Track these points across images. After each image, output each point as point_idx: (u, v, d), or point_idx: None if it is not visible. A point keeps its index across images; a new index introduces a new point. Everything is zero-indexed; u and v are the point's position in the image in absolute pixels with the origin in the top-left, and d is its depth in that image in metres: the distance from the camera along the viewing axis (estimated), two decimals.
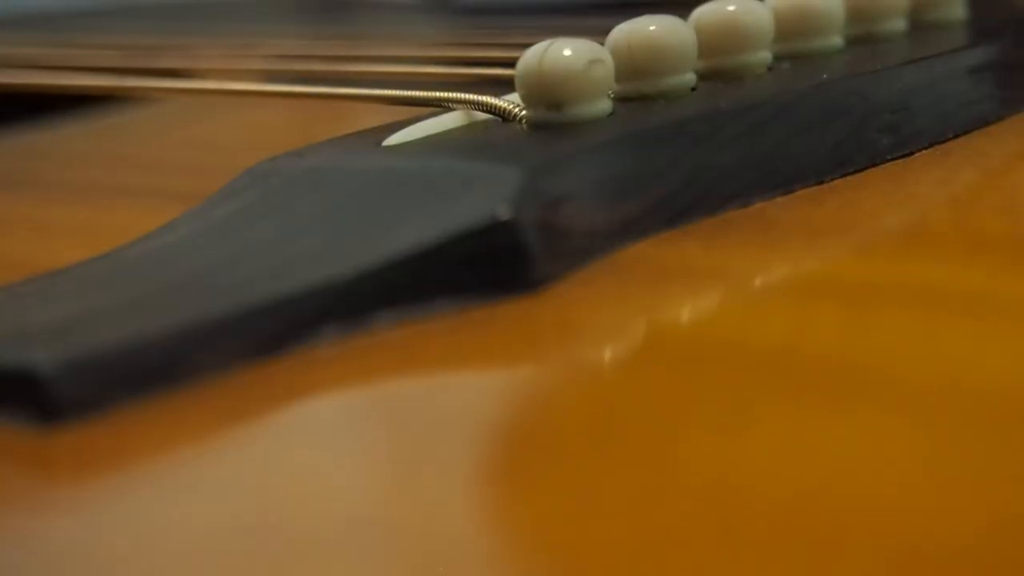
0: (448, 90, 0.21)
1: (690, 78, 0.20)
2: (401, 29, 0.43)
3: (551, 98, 0.19)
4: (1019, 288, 0.15)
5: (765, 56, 0.21)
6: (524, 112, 0.20)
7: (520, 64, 0.19)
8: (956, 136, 0.21)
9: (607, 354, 0.16)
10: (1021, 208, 0.18)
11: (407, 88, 0.22)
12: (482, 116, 0.20)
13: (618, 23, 0.20)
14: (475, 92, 0.20)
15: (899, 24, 0.24)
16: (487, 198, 0.17)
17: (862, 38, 0.23)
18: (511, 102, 0.20)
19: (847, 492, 0.12)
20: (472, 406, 0.15)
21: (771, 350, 0.15)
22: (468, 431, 0.14)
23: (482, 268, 0.17)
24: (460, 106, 0.20)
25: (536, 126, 0.19)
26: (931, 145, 0.21)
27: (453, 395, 0.15)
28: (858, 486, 0.12)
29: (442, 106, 0.21)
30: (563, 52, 0.19)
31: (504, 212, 0.17)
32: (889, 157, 0.20)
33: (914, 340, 0.15)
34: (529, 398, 0.15)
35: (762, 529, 0.11)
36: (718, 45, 0.21)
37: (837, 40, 0.22)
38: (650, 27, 0.20)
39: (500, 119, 0.20)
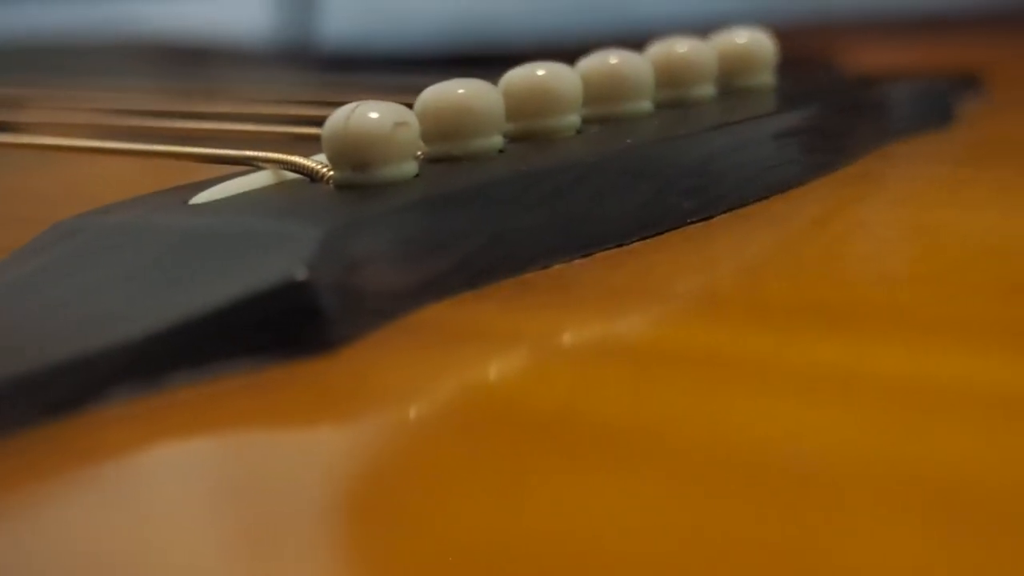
0: (271, 147, 0.21)
1: (497, 140, 0.21)
2: (249, 82, 0.43)
3: (357, 159, 0.19)
4: (797, 354, 0.16)
5: (574, 120, 0.22)
6: (331, 173, 0.20)
7: (327, 125, 0.20)
8: (759, 200, 0.22)
9: (395, 416, 0.16)
10: (808, 274, 0.19)
11: (228, 145, 0.22)
12: (292, 175, 0.20)
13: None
14: (300, 149, 0.20)
15: (708, 89, 0.24)
16: (285, 259, 0.17)
17: (672, 102, 0.24)
18: (319, 162, 0.20)
19: (614, 553, 0.12)
20: (256, 467, 0.15)
21: (554, 412, 0.15)
22: (250, 492, 0.14)
23: (278, 329, 0.17)
24: (269, 165, 0.21)
25: (342, 187, 0.20)
26: (733, 209, 0.21)
27: (239, 456, 0.15)
28: (626, 547, 0.12)
29: (252, 165, 0.21)
30: (369, 114, 0.19)
31: (300, 273, 0.17)
32: (691, 220, 0.21)
33: (693, 404, 0.15)
34: (313, 460, 0.15)
35: None
36: (527, 108, 0.21)
37: (647, 104, 0.23)
38: (458, 90, 0.21)
39: (309, 179, 0.20)
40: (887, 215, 0.21)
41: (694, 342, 0.17)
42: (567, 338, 0.17)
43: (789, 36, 0.45)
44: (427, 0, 0.85)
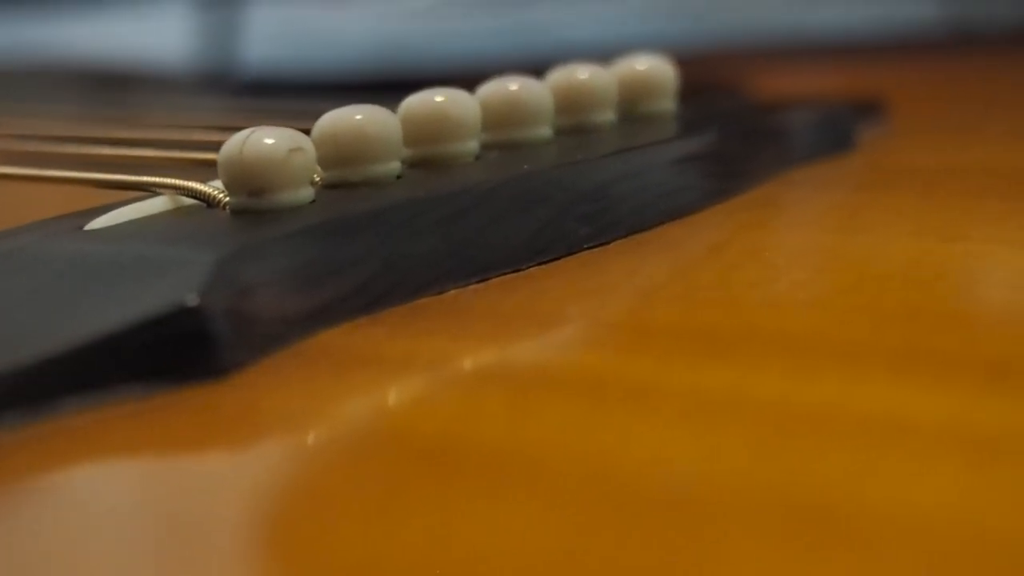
0: (177, 173, 0.21)
1: (395, 166, 0.21)
2: (164, 108, 0.43)
3: (252, 185, 0.19)
4: (680, 379, 0.16)
5: (472, 145, 0.22)
6: (227, 198, 0.20)
7: (222, 151, 0.20)
8: (656, 225, 0.22)
9: (284, 443, 0.16)
10: (698, 299, 0.19)
11: (133, 171, 0.22)
12: (190, 201, 0.20)
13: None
14: (204, 175, 0.20)
15: (609, 116, 0.24)
16: (176, 285, 0.17)
17: (572, 129, 0.24)
18: (216, 188, 0.20)
19: None
20: (144, 494, 0.15)
21: (440, 438, 0.15)
22: (138, 519, 0.14)
23: (170, 355, 0.17)
24: (167, 191, 0.21)
25: (238, 212, 0.20)
26: (630, 234, 0.21)
27: (128, 482, 0.15)
28: (498, 572, 0.12)
29: (150, 191, 0.21)
30: (264, 140, 0.19)
31: (191, 299, 0.17)
32: (587, 246, 0.21)
33: (574, 429, 0.15)
34: (202, 486, 0.15)
35: None
36: (426, 134, 0.22)
37: (546, 131, 0.23)
38: (355, 116, 0.21)
39: (206, 205, 0.20)
40: (782, 240, 0.21)
41: (580, 367, 0.17)
42: (457, 363, 0.17)
43: (698, 63, 0.46)
44: (348, 27, 0.85)
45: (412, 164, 0.22)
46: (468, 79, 0.23)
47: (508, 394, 0.16)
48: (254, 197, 0.19)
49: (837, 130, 0.27)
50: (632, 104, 0.25)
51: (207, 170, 0.21)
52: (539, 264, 0.20)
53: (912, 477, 0.13)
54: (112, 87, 0.56)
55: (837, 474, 0.13)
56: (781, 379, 0.16)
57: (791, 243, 0.21)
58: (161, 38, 0.77)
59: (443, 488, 0.14)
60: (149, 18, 0.88)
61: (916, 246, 0.21)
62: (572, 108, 0.24)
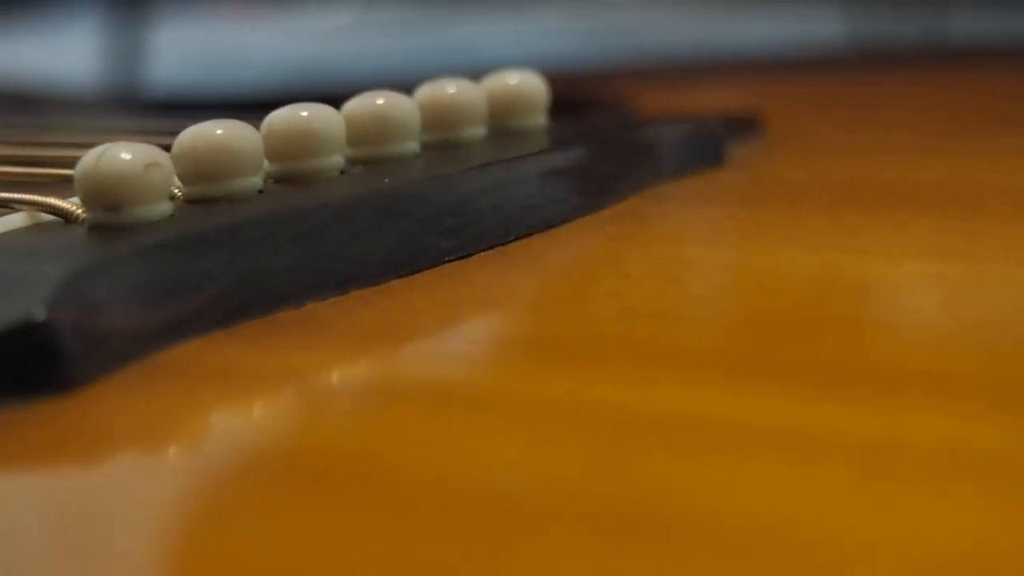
0: (41, 190, 0.21)
1: (255, 181, 0.21)
2: (55, 127, 0.43)
3: (108, 200, 0.19)
4: (524, 387, 0.16)
5: (337, 160, 0.22)
6: (84, 214, 0.20)
7: (79, 166, 0.19)
8: (520, 238, 0.22)
9: (128, 457, 0.16)
10: (553, 310, 0.19)
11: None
12: (49, 217, 0.20)
13: None
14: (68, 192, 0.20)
15: (478, 131, 0.24)
16: (25, 299, 0.17)
17: (441, 144, 0.24)
18: (74, 203, 0.20)
19: None
20: None
21: (281, 449, 0.15)
22: None
23: (17, 369, 0.17)
24: (25, 207, 0.20)
25: (95, 228, 0.19)
26: (493, 247, 0.21)
27: None
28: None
29: (7, 206, 0.21)
30: (120, 155, 0.19)
31: (39, 314, 0.17)
32: (449, 259, 0.21)
33: (416, 437, 0.15)
34: (46, 500, 0.15)
35: None
36: (289, 149, 0.22)
37: (413, 145, 0.23)
38: (216, 131, 0.21)
39: (64, 220, 0.20)
40: (642, 253, 0.22)
41: (428, 378, 0.17)
42: (308, 377, 0.17)
43: (604, 80, 0.46)
44: (264, 47, 0.85)
45: (277, 179, 0.22)
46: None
47: (355, 406, 0.16)
48: (110, 212, 0.19)
49: (707, 145, 0.27)
50: (502, 119, 0.25)
51: (70, 186, 0.21)
52: (400, 277, 0.20)
53: (737, 480, 0.13)
54: (11, 107, 0.55)
55: (666, 477, 0.14)
56: (621, 386, 0.16)
57: (650, 255, 0.21)
58: (69, 59, 0.77)
59: (283, 497, 0.14)
60: (57, 39, 0.88)
61: (774, 257, 0.21)
62: (440, 123, 0.24)
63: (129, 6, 0.76)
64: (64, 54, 0.79)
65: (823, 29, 0.67)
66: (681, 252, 0.21)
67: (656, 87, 0.45)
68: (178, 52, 0.78)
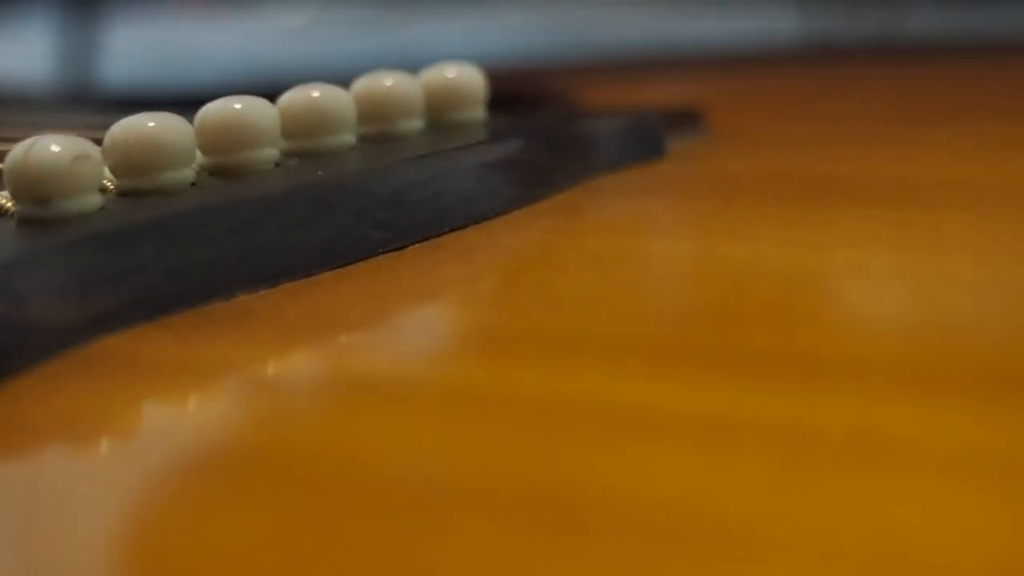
0: None
1: (188, 174, 0.21)
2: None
3: (37, 193, 0.19)
4: (444, 376, 0.16)
5: (271, 153, 0.22)
6: (13, 207, 0.20)
7: (7, 159, 0.19)
8: (455, 230, 0.22)
9: (56, 449, 0.16)
10: (482, 300, 0.19)
11: None
12: None
13: None
14: None
15: (415, 123, 0.24)
16: None
17: (378, 137, 0.24)
18: (3, 196, 0.20)
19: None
20: None
21: (203, 440, 0.15)
22: None
23: None
24: None
25: (24, 221, 0.19)
26: (428, 239, 0.21)
27: None
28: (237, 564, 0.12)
29: None
30: (49, 147, 0.19)
31: None
32: (382, 251, 0.21)
33: (334, 427, 0.15)
34: None
35: None
36: (223, 142, 0.21)
37: (348, 138, 0.23)
38: (148, 123, 0.21)
39: None
40: (574, 244, 0.22)
41: (351, 369, 0.17)
42: (234, 369, 0.17)
43: (555, 75, 0.46)
44: (221, 46, 0.84)
45: (211, 172, 0.22)
46: None
47: (282, 397, 0.16)
48: (39, 205, 0.19)
49: (646, 138, 0.27)
50: (440, 112, 0.25)
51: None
52: (333, 270, 0.20)
53: (654, 467, 0.14)
54: None
55: (584, 464, 0.14)
56: (544, 374, 0.16)
57: (583, 246, 0.21)
58: (24, 58, 0.76)
59: (207, 487, 0.14)
60: (12, 38, 0.87)
61: (704, 248, 0.21)
62: (377, 116, 0.24)
63: (84, 5, 0.76)
64: (19, 53, 0.79)
65: (781, 26, 0.68)
66: (612, 243, 0.21)
67: (610, 83, 0.45)
68: (136, 51, 0.78)
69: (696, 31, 0.70)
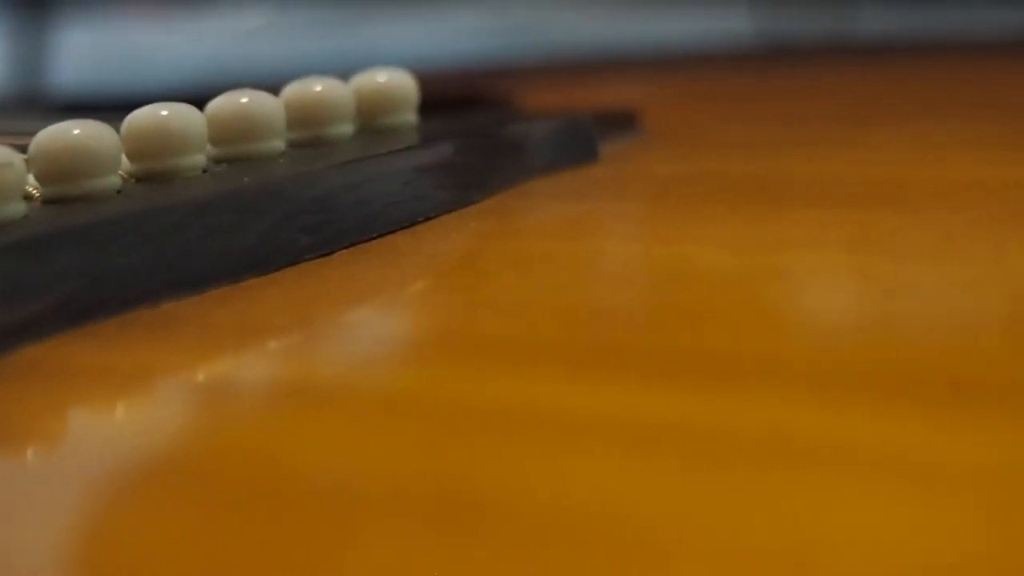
0: None
1: (114, 181, 0.21)
2: None
3: None
4: (364, 380, 0.16)
5: (198, 159, 0.22)
6: None
7: None
8: (384, 235, 0.22)
9: None
10: (406, 305, 0.19)
11: None
12: None
13: None
14: None
15: (345, 128, 0.25)
16: None
17: (308, 142, 0.24)
18: None
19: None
20: None
21: (127, 447, 0.15)
22: None
23: None
24: None
25: None
26: (355, 244, 0.22)
27: None
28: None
29: None
30: None
31: None
32: (309, 257, 0.21)
33: (253, 432, 0.15)
34: None
35: None
36: (149, 148, 0.22)
37: (278, 144, 0.23)
38: (73, 131, 0.21)
39: None
40: (502, 247, 0.22)
41: (273, 374, 0.17)
42: (157, 375, 0.17)
43: (486, 79, 0.46)
44: (177, 48, 0.84)
45: (138, 179, 0.22)
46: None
47: (205, 404, 0.16)
48: None
49: (580, 140, 0.27)
50: (371, 117, 0.25)
51: None
52: (259, 276, 0.20)
53: (568, 471, 0.14)
54: None
55: (497, 469, 0.14)
56: (460, 378, 0.16)
57: (510, 250, 0.21)
58: None
59: (128, 495, 0.14)
60: None
61: (631, 249, 0.21)
62: (307, 121, 0.24)
63: (35, 8, 0.75)
64: None
65: (731, 27, 0.68)
66: (538, 246, 0.22)
67: (558, 84, 0.45)
68: (89, 55, 0.78)
69: (648, 32, 0.70)
